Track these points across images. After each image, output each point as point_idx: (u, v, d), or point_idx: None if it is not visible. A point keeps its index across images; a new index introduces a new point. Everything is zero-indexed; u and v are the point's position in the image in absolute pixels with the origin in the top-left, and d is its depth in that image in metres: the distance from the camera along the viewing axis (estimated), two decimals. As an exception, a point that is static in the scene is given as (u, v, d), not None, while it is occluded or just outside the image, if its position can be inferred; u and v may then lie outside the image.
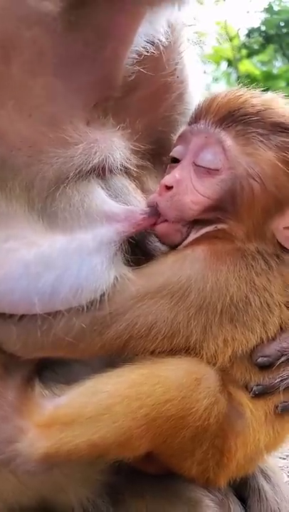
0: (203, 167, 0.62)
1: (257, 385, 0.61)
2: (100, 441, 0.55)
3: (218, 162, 0.61)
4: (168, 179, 0.63)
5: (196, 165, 0.62)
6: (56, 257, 0.58)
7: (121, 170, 0.67)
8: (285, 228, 0.62)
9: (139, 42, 0.66)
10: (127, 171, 0.68)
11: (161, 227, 0.64)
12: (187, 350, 0.60)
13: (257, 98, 0.63)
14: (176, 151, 0.67)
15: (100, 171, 0.64)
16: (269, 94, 0.65)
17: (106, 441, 0.55)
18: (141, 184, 0.72)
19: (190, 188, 0.62)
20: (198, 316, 0.59)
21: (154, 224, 0.65)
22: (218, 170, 0.61)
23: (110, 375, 0.58)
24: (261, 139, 0.60)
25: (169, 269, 0.62)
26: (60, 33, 0.61)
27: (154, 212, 0.64)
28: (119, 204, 0.65)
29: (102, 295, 0.59)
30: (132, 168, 0.68)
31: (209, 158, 0.61)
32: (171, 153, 0.68)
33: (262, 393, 0.61)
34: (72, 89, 0.63)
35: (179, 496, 0.70)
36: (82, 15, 0.61)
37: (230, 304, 0.59)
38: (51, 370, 0.66)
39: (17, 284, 0.57)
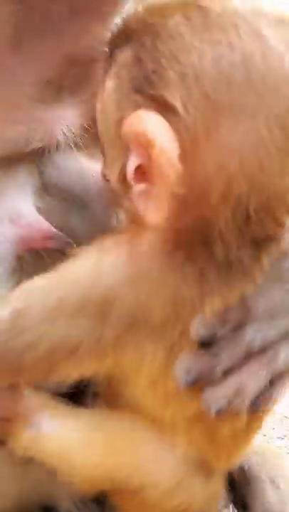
0: None
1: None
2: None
3: None
4: None
5: None
6: None
7: (70, 147, 0.58)
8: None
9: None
10: (77, 148, 0.59)
11: None
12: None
13: None
14: None
15: (41, 153, 0.56)
16: None
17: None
18: (94, 160, 0.62)
19: None
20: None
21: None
22: None
23: (96, 436, 0.60)
24: None
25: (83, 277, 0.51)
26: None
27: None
28: (50, 198, 0.55)
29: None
30: (83, 145, 0.59)
31: None
32: None
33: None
34: (23, 63, 0.52)
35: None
36: None
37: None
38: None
39: None
